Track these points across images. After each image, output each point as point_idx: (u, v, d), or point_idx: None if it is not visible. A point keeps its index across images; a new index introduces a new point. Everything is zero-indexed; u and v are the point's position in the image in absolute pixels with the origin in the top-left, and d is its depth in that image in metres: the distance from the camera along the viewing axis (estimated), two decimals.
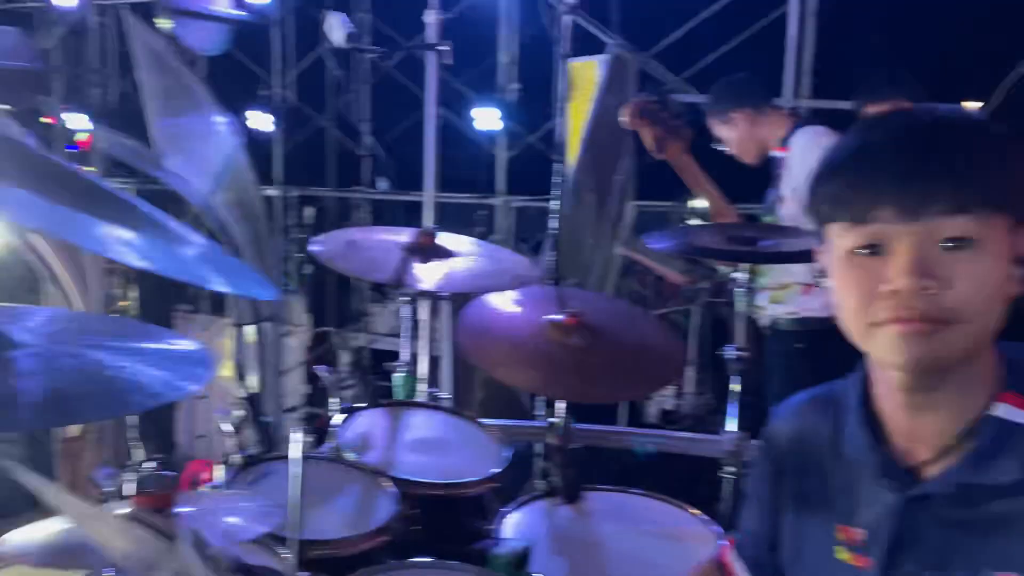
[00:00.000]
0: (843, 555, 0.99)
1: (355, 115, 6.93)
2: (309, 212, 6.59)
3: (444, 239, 1.91)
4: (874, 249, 0.86)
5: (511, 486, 2.34)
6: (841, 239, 0.89)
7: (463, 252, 1.90)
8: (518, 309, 1.99)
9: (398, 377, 2.08)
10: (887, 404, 0.94)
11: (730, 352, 2.10)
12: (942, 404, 0.89)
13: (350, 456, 1.55)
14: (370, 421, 1.71)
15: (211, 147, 6.26)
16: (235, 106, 6.48)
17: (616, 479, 3.08)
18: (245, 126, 5.82)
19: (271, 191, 6.17)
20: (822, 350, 2.35)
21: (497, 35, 5.88)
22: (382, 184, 5.79)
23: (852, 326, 0.89)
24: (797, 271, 2.47)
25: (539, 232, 4.74)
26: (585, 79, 5.48)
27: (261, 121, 5.99)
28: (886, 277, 0.84)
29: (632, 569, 1.62)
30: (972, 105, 5.19)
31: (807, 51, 4.99)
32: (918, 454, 0.93)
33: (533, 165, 5.90)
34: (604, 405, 3.04)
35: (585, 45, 5.79)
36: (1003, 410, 0.88)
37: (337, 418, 1.67)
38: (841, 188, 0.88)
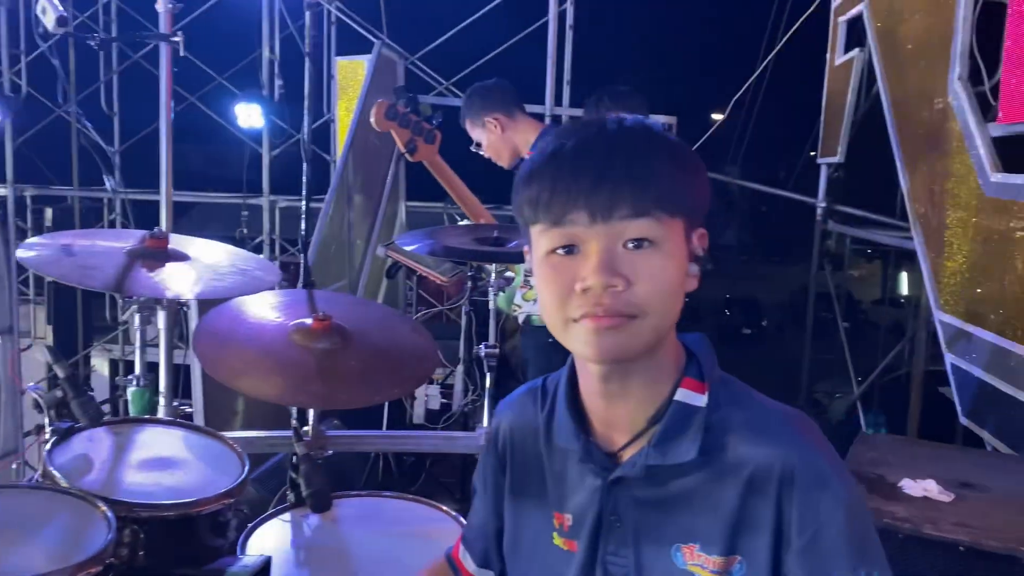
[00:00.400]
0: (558, 541, 1.04)
1: (105, 108, 6.39)
2: (48, 213, 5.99)
3: (179, 242, 1.79)
4: (569, 249, 0.91)
5: (269, 499, 2.25)
6: (541, 240, 0.93)
7: (199, 255, 1.79)
8: (265, 315, 1.92)
9: (132, 392, 1.93)
10: (588, 394, 1.00)
11: (482, 349, 2.15)
12: (633, 392, 0.96)
13: (61, 482, 1.41)
14: (90, 442, 1.57)
15: None
16: None
17: (380, 484, 3.06)
18: None
19: (2, 190, 5.54)
20: None
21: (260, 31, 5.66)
22: (109, 182, 5.38)
23: (552, 322, 0.94)
24: None
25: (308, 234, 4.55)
26: (354, 78, 5.42)
27: None
28: (580, 276, 0.89)
29: (378, 571, 1.60)
30: (716, 116, 5.73)
31: (566, 62, 5.24)
32: (617, 440, 0.99)
33: (301, 165, 5.74)
34: (369, 409, 3.00)
35: (356, 44, 5.73)
36: (682, 395, 0.95)
37: (50, 441, 1.51)
38: (539, 192, 0.92)
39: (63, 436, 1.54)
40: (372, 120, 2.23)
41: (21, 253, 1.59)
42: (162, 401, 2.10)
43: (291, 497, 1.82)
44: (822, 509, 0.88)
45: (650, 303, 0.89)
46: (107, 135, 6.41)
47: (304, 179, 2.03)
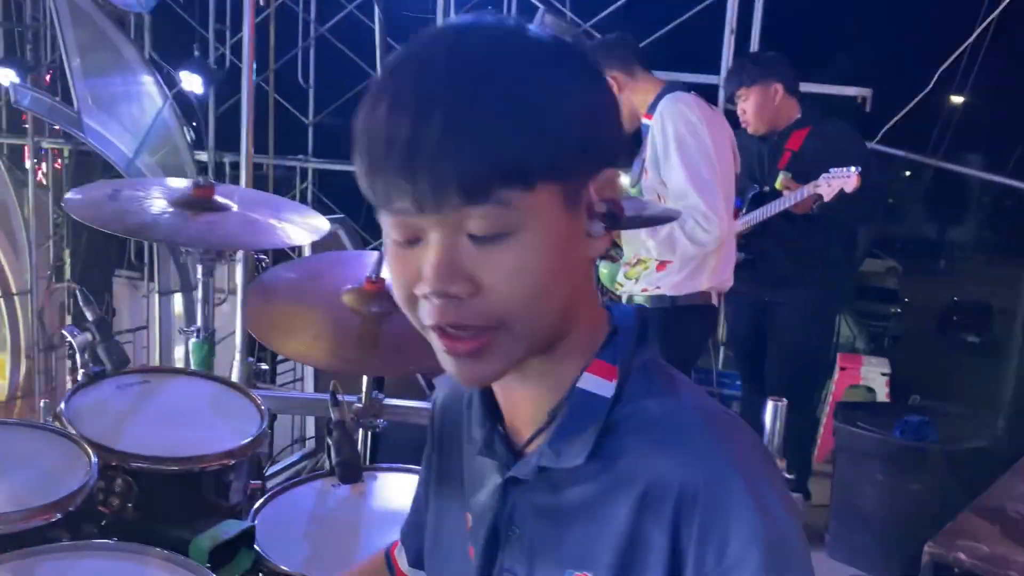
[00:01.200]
0: (469, 546, 0.86)
1: (302, 79, 6.75)
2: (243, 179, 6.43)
3: (226, 192, 1.76)
4: (412, 241, 0.67)
5: None
6: (383, 223, 0.69)
7: (246, 206, 1.75)
8: (326, 276, 1.85)
9: (192, 344, 1.94)
10: None
11: None
12: (533, 377, 0.75)
13: (67, 426, 1.41)
14: (117, 389, 1.57)
15: (138, 108, 6.02)
16: (170, 65, 6.29)
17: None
18: (179, 87, 5.64)
19: (204, 156, 5.98)
20: (671, 327, 2.24)
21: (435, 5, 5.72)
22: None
23: (415, 326, 0.74)
24: (652, 248, 2.33)
25: None
26: None
27: (193, 82, 5.79)
28: (421, 275, 0.67)
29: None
30: (953, 101, 5.00)
31: (754, 31, 4.81)
32: (523, 432, 0.79)
33: None
34: None
35: (531, 16, 5.64)
36: (586, 381, 0.73)
37: (73, 383, 1.53)
38: (359, 165, 0.67)
39: (91, 380, 1.56)
40: None
41: (69, 196, 1.62)
42: (237, 357, 2.11)
43: (326, 465, 1.75)
44: (731, 545, 0.64)
45: (511, 310, 0.66)
46: (303, 107, 6.76)
47: None
